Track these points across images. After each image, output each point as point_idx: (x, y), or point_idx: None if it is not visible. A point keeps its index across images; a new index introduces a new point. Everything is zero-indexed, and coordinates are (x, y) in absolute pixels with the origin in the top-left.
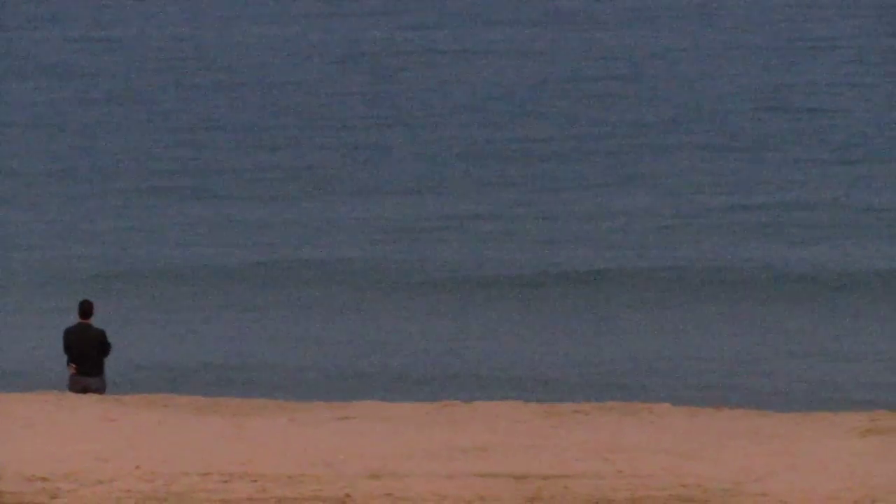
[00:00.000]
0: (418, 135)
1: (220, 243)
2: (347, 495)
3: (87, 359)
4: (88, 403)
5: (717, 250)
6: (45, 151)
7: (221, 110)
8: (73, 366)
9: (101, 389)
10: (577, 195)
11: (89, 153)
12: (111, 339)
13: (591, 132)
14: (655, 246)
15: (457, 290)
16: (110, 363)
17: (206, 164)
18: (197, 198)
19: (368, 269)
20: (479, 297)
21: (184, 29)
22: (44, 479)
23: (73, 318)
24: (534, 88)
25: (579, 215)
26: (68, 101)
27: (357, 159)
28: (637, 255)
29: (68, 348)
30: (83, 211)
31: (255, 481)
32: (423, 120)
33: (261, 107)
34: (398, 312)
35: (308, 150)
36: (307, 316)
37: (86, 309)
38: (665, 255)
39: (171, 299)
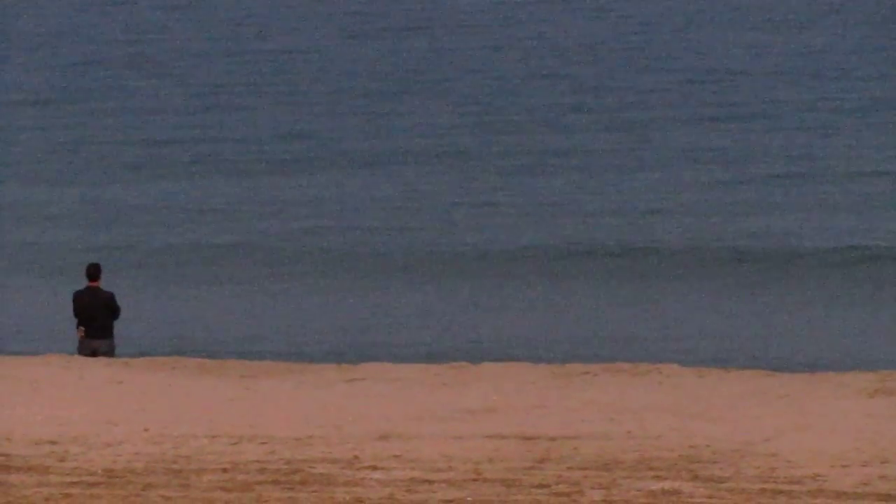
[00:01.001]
0: (425, 105)
1: (224, 215)
2: (356, 457)
3: (95, 322)
4: (96, 366)
5: (725, 222)
6: (45, 125)
7: (226, 78)
8: (82, 329)
9: (110, 352)
10: (584, 165)
11: (92, 126)
12: (120, 302)
13: (601, 101)
14: (665, 218)
15: (466, 259)
16: (119, 326)
17: (209, 135)
18: (205, 169)
19: (379, 240)
20: (491, 267)
21: None
22: (52, 443)
23: (82, 282)
24: (541, 57)
25: (587, 188)
26: (68, 70)
27: (365, 129)
28: (648, 228)
29: (77, 311)
30: (89, 184)
31: (264, 443)
32: (429, 90)
33: (267, 76)
34: (408, 280)
35: (314, 119)
36: (316, 284)
37: (93, 272)
38: (674, 227)
39: (180, 269)
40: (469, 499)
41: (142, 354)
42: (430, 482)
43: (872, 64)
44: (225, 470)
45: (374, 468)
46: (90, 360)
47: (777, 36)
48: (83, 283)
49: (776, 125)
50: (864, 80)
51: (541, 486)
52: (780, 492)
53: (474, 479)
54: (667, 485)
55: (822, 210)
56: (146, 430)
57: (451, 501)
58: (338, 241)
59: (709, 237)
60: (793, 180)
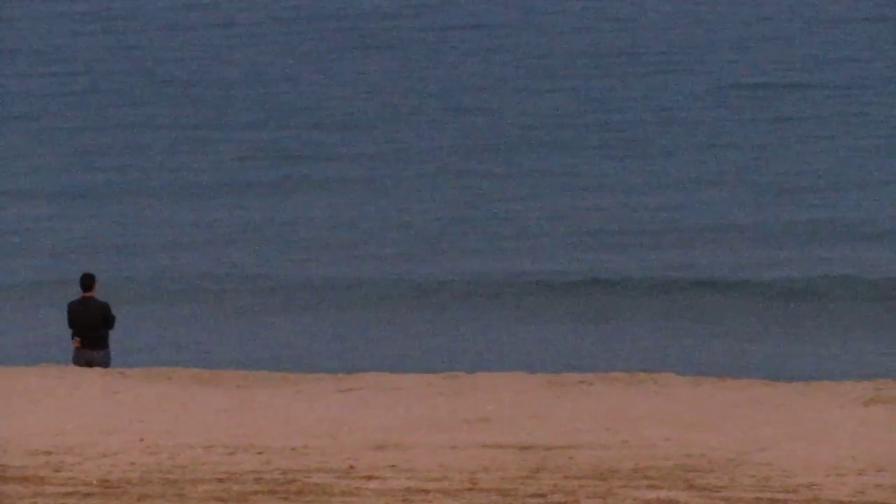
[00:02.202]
0: (426, 128)
1: (210, 240)
2: (351, 467)
3: (90, 332)
4: (92, 377)
5: (725, 242)
6: (41, 144)
7: (224, 100)
8: (77, 339)
9: (105, 363)
10: (584, 185)
11: (90, 146)
12: (115, 312)
13: (603, 118)
14: (667, 236)
15: (462, 277)
16: (114, 337)
17: (207, 158)
18: (200, 191)
19: (376, 260)
20: (491, 291)
21: (170, 13)
22: (48, 453)
23: (77, 293)
24: (532, 69)
25: (586, 207)
26: (57, 90)
27: (360, 151)
28: (651, 245)
29: (72, 322)
30: (84, 201)
31: (260, 454)
32: (429, 108)
33: (262, 95)
34: (405, 295)
35: (308, 140)
36: (314, 300)
37: (87, 282)
38: (674, 246)
39: (177, 285)
40: None
41: (137, 364)
42: (426, 492)
43: (871, 78)
44: (220, 480)
45: (370, 478)
46: (85, 370)
47: (780, 46)
48: (78, 293)
49: (777, 140)
50: (861, 91)
51: (537, 495)
52: (776, 501)
53: (470, 489)
54: (662, 494)
55: (822, 231)
56: (142, 440)
57: None
58: (338, 263)
59: (706, 255)
60: (791, 202)
